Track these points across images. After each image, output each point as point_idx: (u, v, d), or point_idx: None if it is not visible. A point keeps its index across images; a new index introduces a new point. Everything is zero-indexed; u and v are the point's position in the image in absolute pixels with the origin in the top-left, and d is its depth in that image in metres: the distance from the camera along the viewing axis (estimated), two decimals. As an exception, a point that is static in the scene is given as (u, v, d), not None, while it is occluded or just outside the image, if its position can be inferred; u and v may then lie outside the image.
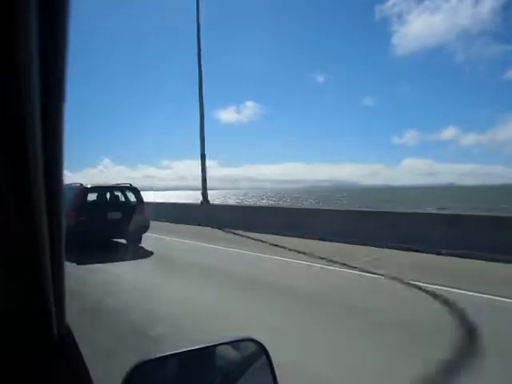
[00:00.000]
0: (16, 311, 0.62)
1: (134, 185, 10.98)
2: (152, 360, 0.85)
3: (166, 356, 0.89)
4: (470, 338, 3.91)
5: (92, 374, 0.75)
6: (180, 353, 0.92)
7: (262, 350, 1.02)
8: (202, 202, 16.66)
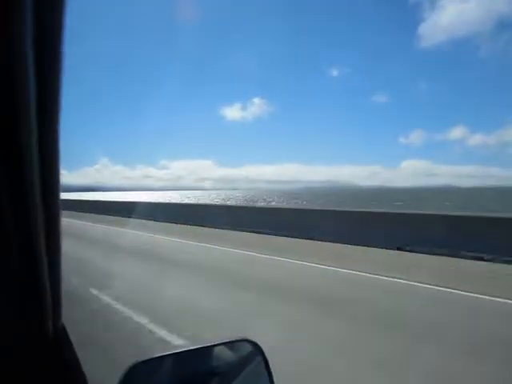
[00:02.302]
0: (12, 310, 0.62)
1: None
2: (148, 360, 0.85)
3: (163, 356, 0.89)
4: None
5: (86, 372, 0.75)
6: (176, 353, 0.91)
7: (257, 350, 1.02)
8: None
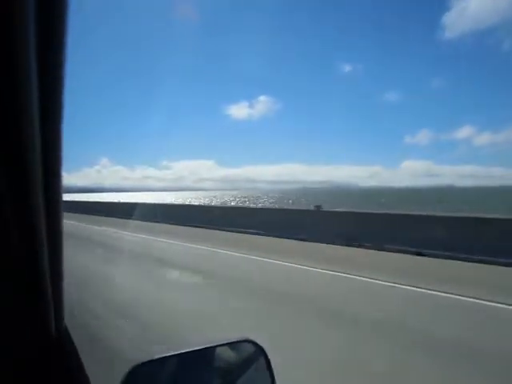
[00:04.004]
0: (14, 310, 0.62)
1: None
2: (150, 361, 0.85)
3: (165, 357, 0.89)
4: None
5: (88, 372, 0.76)
6: (179, 354, 0.91)
7: (260, 351, 1.02)
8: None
